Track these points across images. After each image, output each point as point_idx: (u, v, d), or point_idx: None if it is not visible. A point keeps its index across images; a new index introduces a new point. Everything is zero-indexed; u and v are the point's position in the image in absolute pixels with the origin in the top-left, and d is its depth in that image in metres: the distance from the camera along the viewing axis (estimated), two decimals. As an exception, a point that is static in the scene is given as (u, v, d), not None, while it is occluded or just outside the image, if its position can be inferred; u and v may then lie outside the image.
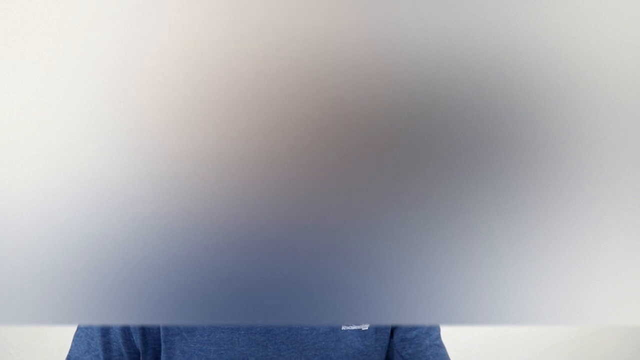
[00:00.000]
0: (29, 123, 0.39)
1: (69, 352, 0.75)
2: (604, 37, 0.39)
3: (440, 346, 0.77)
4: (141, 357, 0.73)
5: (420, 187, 0.40)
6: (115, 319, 0.40)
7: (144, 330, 0.72)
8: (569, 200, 0.40)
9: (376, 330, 0.75)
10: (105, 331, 0.73)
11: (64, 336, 0.78)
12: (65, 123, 0.39)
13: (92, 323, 0.40)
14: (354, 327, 0.73)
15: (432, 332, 0.78)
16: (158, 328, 0.72)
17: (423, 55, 0.39)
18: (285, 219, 0.40)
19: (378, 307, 0.40)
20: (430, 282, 0.40)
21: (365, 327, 0.74)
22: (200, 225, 0.40)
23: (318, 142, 0.39)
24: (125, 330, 0.72)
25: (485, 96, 0.39)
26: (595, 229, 0.40)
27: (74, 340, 0.75)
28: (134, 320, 0.40)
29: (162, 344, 0.72)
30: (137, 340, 0.72)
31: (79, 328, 0.75)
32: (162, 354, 0.72)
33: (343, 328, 0.73)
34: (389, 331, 0.76)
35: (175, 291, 0.40)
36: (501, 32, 0.39)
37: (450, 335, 0.84)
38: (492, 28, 0.39)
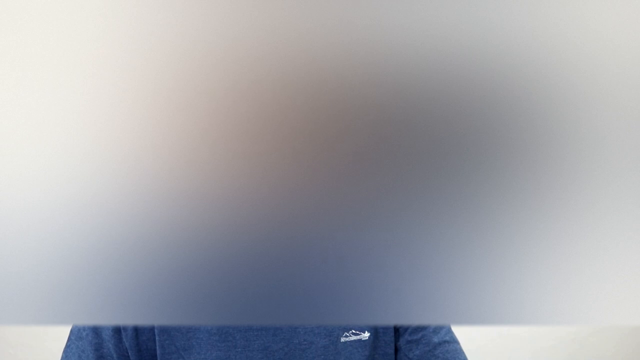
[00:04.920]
0: (29, 124, 0.39)
1: None
2: (604, 37, 0.39)
3: (450, 342, 0.75)
4: None
5: (421, 188, 0.40)
6: (115, 319, 0.40)
7: (140, 347, 0.71)
8: (569, 200, 0.40)
9: (374, 338, 0.73)
10: (98, 345, 0.71)
11: (64, 336, 0.78)
12: (65, 124, 0.39)
13: (92, 323, 0.40)
14: (352, 338, 0.72)
15: (441, 329, 0.76)
16: (154, 345, 0.71)
17: (424, 56, 0.39)
18: (285, 219, 0.40)
19: (378, 307, 0.40)
20: (430, 282, 0.40)
21: (364, 336, 0.73)
22: (199, 225, 0.40)
23: (318, 143, 0.39)
24: (120, 347, 0.71)
25: (487, 96, 0.39)
26: (595, 229, 0.40)
27: (64, 352, 0.74)
28: (133, 320, 0.40)
29: None
30: (133, 357, 0.71)
31: (69, 339, 0.74)
32: None
33: (342, 340, 0.72)
34: (392, 339, 0.75)
35: (175, 291, 0.40)
36: (501, 32, 0.39)
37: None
38: (492, 28, 0.39)
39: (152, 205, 0.39)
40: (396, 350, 0.75)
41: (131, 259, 0.40)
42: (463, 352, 0.76)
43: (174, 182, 0.39)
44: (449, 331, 0.76)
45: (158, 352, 0.70)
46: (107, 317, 0.40)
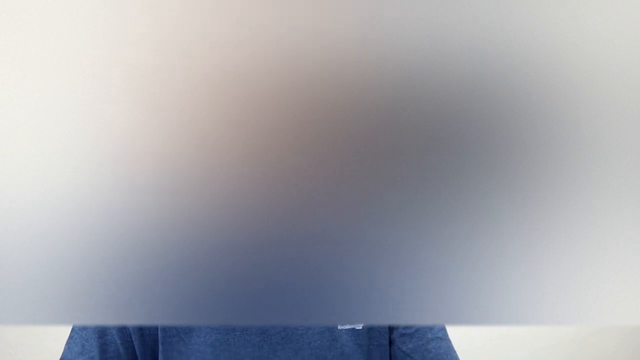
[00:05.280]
0: (29, 123, 0.39)
1: (62, 355, 0.74)
2: (604, 37, 0.39)
3: (443, 339, 0.77)
4: (138, 356, 0.73)
5: (420, 187, 0.40)
6: (115, 319, 0.40)
7: (143, 332, 0.72)
8: (569, 200, 0.40)
9: (369, 329, 0.74)
10: (102, 332, 0.73)
11: (64, 336, 0.78)
12: (64, 123, 0.39)
13: (92, 323, 0.40)
14: (347, 326, 0.73)
15: (434, 325, 0.77)
16: (156, 329, 0.73)
17: (423, 55, 0.39)
18: (283, 218, 0.40)
19: (378, 307, 0.40)
20: (430, 282, 0.40)
21: (359, 326, 0.74)
22: (199, 224, 0.40)
23: (316, 142, 0.39)
24: (124, 331, 0.73)
25: (486, 95, 0.39)
26: (595, 229, 0.40)
27: (67, 343, 0.75)
28: (134, 320, 0.40)
29: (160, 345, 0.72)
30: (136, 342, 0.73)
31: (73, 330, 0.75)
32: (159, 355, 0.72)
33: (338, 327, 0.73)
34: (386, 330, 0.76)
35: (175, 291, 0.40)
36: (501, 31, 0.39)
37: (449, 335, 0.84)
38: (492, 28, 0.39)
39: (152, 205, 0.39)
40: (390, 343, 0.76)
41: (131, 259, 0.40)
42: (455, 351, 0.78)
43: (173, 182, 0.39)
44: (443, 328, 0.78)
45: (160, 335, 0.72)
46: (107, 317, 0.40)
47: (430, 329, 0.76)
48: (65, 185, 0.39)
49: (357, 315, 0.40)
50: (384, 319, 0.40)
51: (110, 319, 0.40)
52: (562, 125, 0.40)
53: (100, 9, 0.38)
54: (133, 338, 0.73)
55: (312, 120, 0.39)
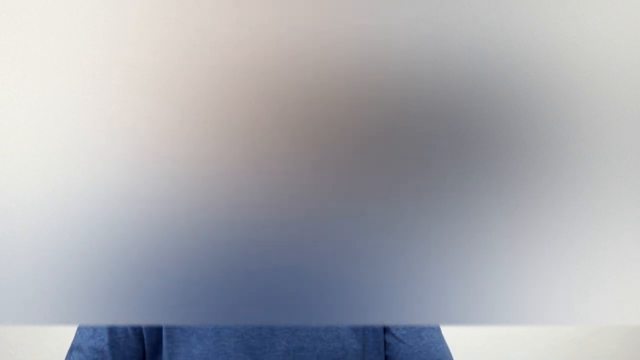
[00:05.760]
0: (30, 123, 0.39)
1: (73, 340, 0.75)
2: (604, 37, 0.39)
3: (434, 329, 0.78)
4: (145, 335, 0.74)
5: (420, 187, 0.40)
6: (116, 319, 0.40)
7: None
8: (569, 200, 0.40)
9: None
10: None
11: (64, 336, 0.79)
12: (65, 124, 0.39)
13: (92, 323, 0.40)
14: None
15: None
16: None
17: (424, 55, 0.39)
18: (283, 219, 0.40)
19: (378, 307, 0.40)
20: (430, 282, 0.40)
21: None
22: (199, 225, 0.40)
23: (316, 142, 0.39)
24: None
25: (486, 95, 0.39)
26: (595, 229, 0.40)
27: (78, 329, 0.76)
28: (134, 320, 0.40)
29: None
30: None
31: None
32: (163, 332, 0.73)
33: None
34: None
35: (175, 291, 0.40)
36: (501, 31, 0.39)
37: (450, 335, 0.84)
38: (492, 28, 0.39)
39: (152, 206, 0.39)
40: (385, 330, 0.77)
41: (132, 259, 0.40)
42: (446, 343, 0.79)
43: (174, 182, 0.39)
44: None
45: None
46: (108, 317, 0.40)
47: None
48: (66, 186, 0.39)
49: (357, 315, 0.40)
50: (384, 319, 0.40)
51: (111, 319, 0.40)
52: (562, 125, 0.40)
53: (100, 9, 0.38)
54: None
55: (312, 119, 0.39)
